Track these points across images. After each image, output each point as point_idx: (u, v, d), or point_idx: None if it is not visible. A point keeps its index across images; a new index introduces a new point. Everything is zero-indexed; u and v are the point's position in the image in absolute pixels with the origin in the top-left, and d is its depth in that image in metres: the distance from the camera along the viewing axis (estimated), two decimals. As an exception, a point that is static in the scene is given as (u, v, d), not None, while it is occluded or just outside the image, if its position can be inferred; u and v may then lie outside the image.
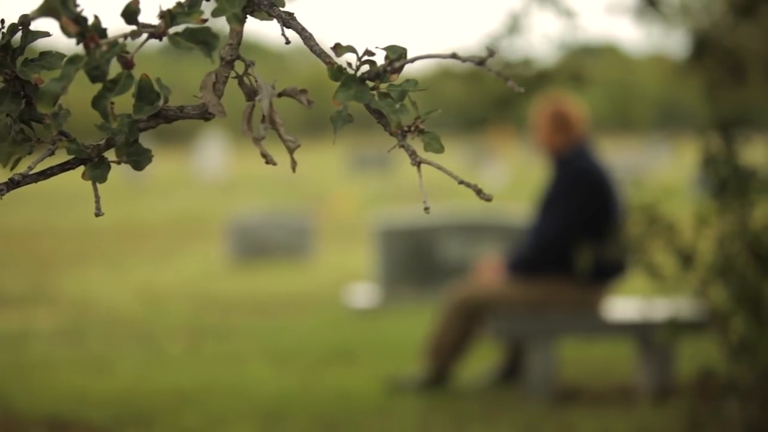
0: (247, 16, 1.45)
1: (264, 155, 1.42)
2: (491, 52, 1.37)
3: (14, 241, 15.08)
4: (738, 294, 4.87)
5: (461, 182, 1.44)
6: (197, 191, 25.20)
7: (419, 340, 6.92)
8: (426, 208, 1.41)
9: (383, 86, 1.45)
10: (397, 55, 1.42)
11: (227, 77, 1.47)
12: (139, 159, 1.45)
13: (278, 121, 1.42)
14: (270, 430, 5.48)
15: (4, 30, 1.47)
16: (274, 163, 1.43)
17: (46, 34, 1.46)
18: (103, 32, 1.37)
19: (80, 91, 1.51)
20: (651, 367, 5.99)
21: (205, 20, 1.39)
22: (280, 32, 1.48)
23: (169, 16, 1.37)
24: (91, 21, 1.36)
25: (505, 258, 6.28)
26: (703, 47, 5.72)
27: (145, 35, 1.39)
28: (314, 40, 1.46)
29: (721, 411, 4.92)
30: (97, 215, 1.49)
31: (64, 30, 1.34)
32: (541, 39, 5.98)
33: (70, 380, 6.56)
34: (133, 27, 1.39)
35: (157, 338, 7.95)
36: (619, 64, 54.83)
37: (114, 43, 1.35)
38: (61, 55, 1.43)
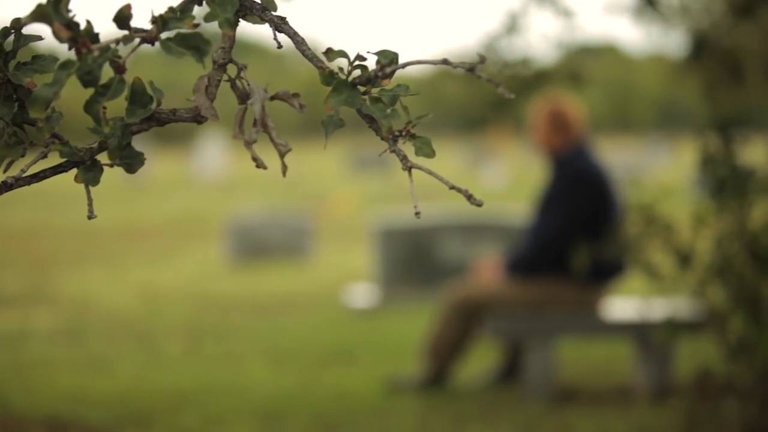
0: (240, 20, 1.46)
1: (255, 159, 1.43)
2: (482, 59, 1.37)
3: (14, 241, 15.09)
4: (736, 294, 4.87)
5: (452, 187, 1.44)
6: (197, 191, 25.20)
7: (418, 340, 6.92)
8: (417, 213, 1.42)
9: (375, 91, 1.45)
10: (388, 60, 1.42)
11: (220, 81, 1.47)
12: (131, 162, 1.46)
13: (270, 125, 1.43)
14: (269, 430, 5.48)
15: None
16: (265, 167, 1.43)
17: (39, 38, 1.47)
18: (95, 37, 1.37)
19: (74, 93, 1.51)
20: (649, 367, 5.99)
21: (197, 25, 1.39)
22: (273, 37, 1.49)
23: (161, 21, 1.38)
24: (83, 26, 1.36)
25: (503, 258, 6.28)
26: (701, 47, 5.72)
27: (137, 40, 1.39)
28: (306, 44, 1.47)
29: (720, 411, 4.92)
30: (89, 218, 1.49)
31: (57, 35, 1.34)
32: (540, 39, 5.98)
33: (69, 380, 6.57)
34: (125, 32, 1.39)
35: (156, 338, 7.96)
36: (619, 64, 54.85)
37: (106, 49, 1.36)
38: (53, 59, 1.44)
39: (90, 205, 1.51)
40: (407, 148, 1.49)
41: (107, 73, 1.40)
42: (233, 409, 5.86)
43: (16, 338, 8.01)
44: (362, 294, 9.41)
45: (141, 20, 1.42)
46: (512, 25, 5.87)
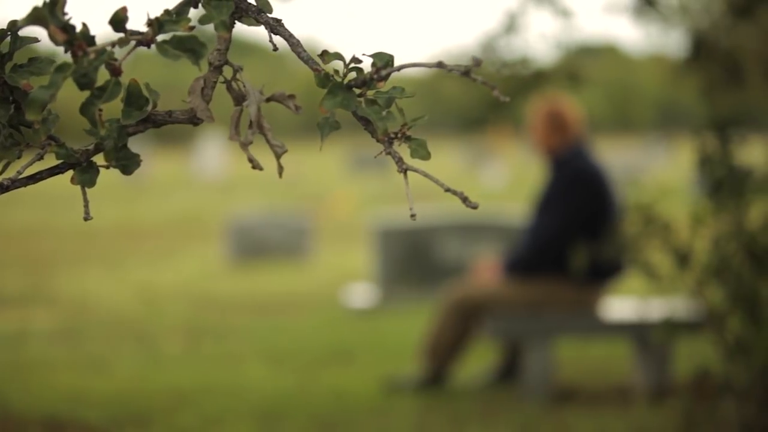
0: (235, 22, 1.46)
1: (251, 160, 1.43)
2: (477, 62, 1.37)
3: (13, 241, 15.09)
4: (734, 294, 4.87)
5: (447, 190, 1.44)
6: (196, 191, 25.20)
7: (417, 340, 6.93)
8: (412, 215, 1.42)
9: (370, 93, 1.45)
10: (383, 63, 1.43)
11: (215, 82, 1.47)
12: (127, 163, 1.46)
13: (266, 126, 1.43)
14: (267, 430, 5.48)
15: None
16: (261, 168, 1.43)
17: (35, 40, 1.47)
18: (91, 40, 1.37)
19: (70, 95, 1.51)
20: (648, 367, 6.00)
21: (193, 27, 1.40)
22: (269, 39, 1.49)
23: (156, 24, 1.38)
24: (79, 29, 1.37)
25: (502, 258, 6.28)
26: (701, 47, 5.72)
27: (133, 43, 1.40)
28: (302, 46, 1.47)
29: (718, 411, 4.92)
30: (85, 219, 1.50)
31: (52, 38, 1.34)
32: (538, 38, 5.99)
33: (68, 380, 6.57)
34: (121, 35, 1.40)
35: (155, 338, 7.96)
36: (619, 65, 54.85)
37: (102, 51, 1.36)
38: (50, 61, 1.44)
39: (86, 206, 1.51)
40: (403, 150, 1.49)
41: (103, 75, 1.40)
42: (232, 409, 5.87)
43: (16, 338, 8.01)
44: (361, 294, 9.42)
45: (137, 23, 1.43)
46: (511, 25, 5.88)
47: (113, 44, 1.38)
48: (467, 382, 6.39)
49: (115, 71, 1.38)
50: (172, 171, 33.02)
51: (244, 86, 1.47)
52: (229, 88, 1.49)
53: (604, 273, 6.15)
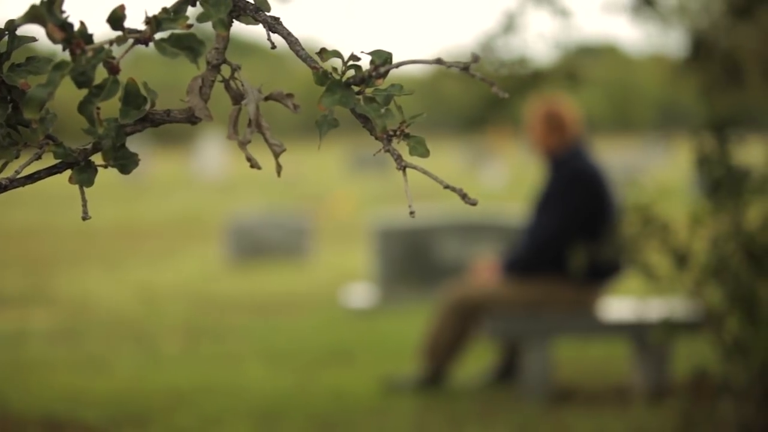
0: (234, 20, 1.46)
1: (249, 159, 1.43)
2: (476, 58, 1.37)
3: (13, 241, 15.09)
4: (732, 294, 4.87)
5: (446, 186, 1.44)
6: (196, 191, 25.20)
7: (416, 340, 6.93)
8: (411, 213, 1.42)
9: (369, 91, 1.45)
10: (382, 60, 1.43)
11: (214, 81, 1.47)
12: (126, 163, 1.46)
13: (264, 125, 1.43)
14: (266, 430, 5.48)
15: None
16: (259, 167, 1.43)
17: (33, 39, 1.47)
18: (89, 38, 1.37)
19: (68, 94, 1.51)
20: (646, 367, 6.00)
21: (191, 26, 1.40)
22: (267, 37, 1.49)
23: (154, 22, 1.38)
24: (77, 27, 1.37)
25: (501, 258, 6.28)
26: (700, 47, 5.73)
27: (131, 41, 1.40)
28: (300, 44, 1.47)
29: (716, 411, 4.93)
30: (84, 219, 1.50)
31: (50, 36, 1.34)
32: (537, 38, 5.99)
33: (67, 380, 6.57)
34: (119, 33, 1.40)
35: (154, 338, 7.96)
36: (619, 64, 54.85)
37: (100, 49, 1.36)
38: (48, 60, 1.44)
39: (84, 206, 1.51)
40: (402, 147, 1.49)
41: (101, 73, 1.40)
42: (230, 408, 5.87)
43: (15, 338, 8.01)
44: (360, 294, 9.41)
45: (135, 21, 1.42)
46: (509, 25, 5.88)
47: (111, 42, 1.38)
48: (466, 382, 6.39)
49: (113, 69, 1.38)
50: (171, 171, 33.02)
51: (243, 85, 1.46)
52: (228, 87, 1.49)
53: (602, 273, 6.16)
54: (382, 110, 1.43)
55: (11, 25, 1.45)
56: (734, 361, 4.89)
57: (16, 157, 1.48)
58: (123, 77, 1.47)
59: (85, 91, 1.38)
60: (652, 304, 6.06)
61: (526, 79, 5.99)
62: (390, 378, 6.41)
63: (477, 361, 6.81)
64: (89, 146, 1.46)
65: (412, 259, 9.50)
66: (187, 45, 1.37)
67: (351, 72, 1.46)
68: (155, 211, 20.01)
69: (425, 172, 1.43)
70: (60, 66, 1.34)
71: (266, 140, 1.44)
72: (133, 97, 1.43)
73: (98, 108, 1.40)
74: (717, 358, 5.04)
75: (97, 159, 1.49)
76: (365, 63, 1.47)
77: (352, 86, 1.44)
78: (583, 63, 7.09)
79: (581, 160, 6.25)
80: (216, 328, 8.33)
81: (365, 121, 1.45)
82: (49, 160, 1.49)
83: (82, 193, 1.50)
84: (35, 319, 8.79)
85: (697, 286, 5.07)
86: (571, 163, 6.24)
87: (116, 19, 1.38)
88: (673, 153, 36.59)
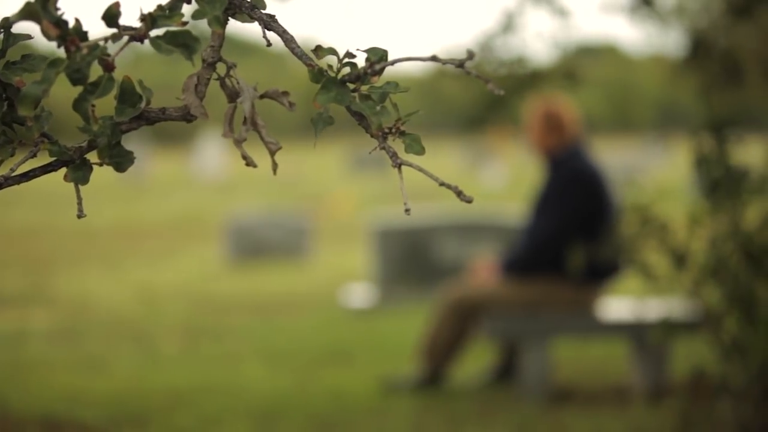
0: (229, 18, 1.46)
1: (245, 157, 1.43)
2: (471, 55, 1.37)
3: (12, 241, 15.09)
4: (731, 294, 4.87)
5: (442, 184, 1.44)
6: (196, 191, 25.20)
7: (415, 340, 6.93)
8: (407, 210, 1.42)
9: (364, 88, 1.45)
10: (377, 58, 1.43)
11: (209, 79, 1.47)
12: (121, 161, 1.46)
13: (260, 123, 1.43)
14: (265, 430, 5.48)
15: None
16: (255, 165, 1.43)
17: (28, 37, 1.47)
18: (83, 35, 1.37)
19: (64, 92, 1.51)
20: (645, 367, 6.00)
21: (186, 23, 1.39)
22: (262, 35, 1.49)
23: (149, 19, 1.38)
24: (72, 24, 1.36)
25: (499, 258, 6.28)
26: (699, 47, 5.72)
27: (126, 38, 1.40)
28: (295, 42, 1.47)
29: (714, 411, 4.92)
30: (79, 217, 1.50)
31: (45, 33, 1.34)
32: (536, 38, 5.99)
33: (66, 380, 6.57)
34: (114, 30, 1.39)
35: (153, 338, 7.96)
36: (619, 64, 54.86)
37: (95, 46, 1.36)
38: (43, 58, 1.44)
39: (79, 204, 1.51)
40: (398, 145, 1.49)
41: (97, 71, 1.40)
42: (229, 408, 5.86)
43: (14, 338, 8.01)
44: (360, 294, 9.41)
45: (130, 18, 1.42)
46: (508, 24, 5.88)
47: (106, 39, 1.38)
48: (465, 382, 6.39)
49: (108, 67, 1.38)
50: (171, 171, 33.02)
51: (238, 83, 1.46)
52: (223, 85, 1.49)
53: (601, 273, 6.15)
54: (378, 108, 1.43)
55: (6, 22, 1.44)
56: (733, 361, 4.89)
57: (12, 155, 1.48)
58: (122, 76, 1.47)
59: (80, 89, 1.38)
60: (651, 304, 6.06)
61: (524, 79, 5.99)
62: (389, 378, 6.41)
63: (476, 361, 6.81)
64: (84, 144, 1.46)
65: (411, 259, 9.50)
66: (182, 42, 1.37)
67: (346, 69, 1.46)
68: (155, 211, 20.01)
69: (421, 170, 1.43)
70: (55, 63, 1.34)
71: (262, 138, 1.44)
72: (128, 95, 1.43)
73: (93, 105, 1.40)
74: (715, 358, 5.04)
75: (92, 157, 1.49)
76: (361, 61, 1.47)
77: (348, 84, 1.44)
78: (582, 63, 7.09)
79: (580, 160, 6.25)
80: (215, 328, 8.33)
81: (361, 119, 1.45)
82: (44, 158, 1.49)
83: (78, 191, 1.50)
84: (35, 319, 8.79)
85: (695, 286, 5.07)
86: (570, 163, 6.24)
87: (111, 16, 1.38)
88: (672, 153, 36.59)
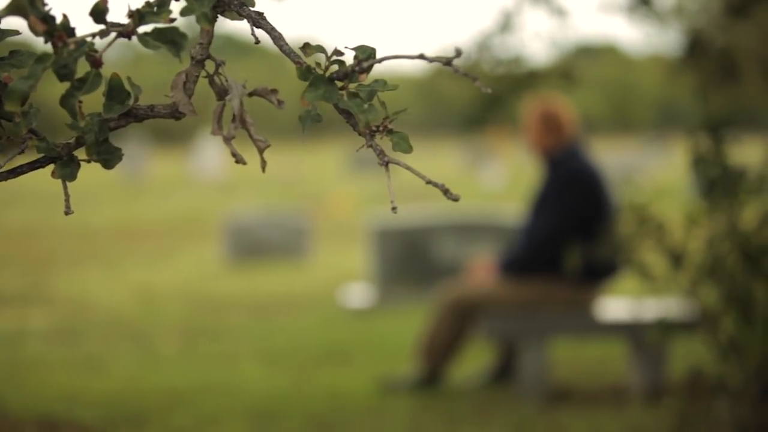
0: (218, 16, 1.45)
1: (234, 154, 1.42)
2: (458, 53, 1.37)
3: (12, 241, 15.08)
4: (728, 294, 4.87)
5: (429, 182, 1.44)
6: (195, 191, 25.20)
7: (413, 340, 6.92)
8: (393, 208, 1.42)
9: (352, 86, 1.45)
10: (365, 55, 1.42)
11: (198, 77, 1.47)
12: (109, 158, 1.45)
13: (249, 121, 1.43)
14: (262, 430, 5.48)
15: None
16: (244, 163, 1.43)
17: (16, 33, 1.47)
18: (71, 31, 1.37)
19: (54, 90, 1.51)
20: (642, 367, 5.99)
21: (174, 20, 1.39)
22: (250, 32, 1.49)
23: (137, 16, 1.38)
24: (59, 20, 1.36)
25: (497, 258, 6.28)
26: (696, 46, 5.72)
27: (113, 34, 1.39)
28: (284, 40, 1.47)
29: (712, 411, 4.92)
30: (66, 213, 1.49)
31: (32, 29, 1.34)
32: (534, 37, 5.99)
33: (64, 380, 6.57)
34: (102, 26, 1.39)
35: (151, 338, 7.96)
36: (619, 64, 54.85)
37: (82, 42, 1.35)
38: (31, 54, 1.43)
39: (67, 200, 1.51)
40: (386, 144, 1.49)
41: (85, 67, 1.40)
42: (227, 408, 5.86)
43: (13, 338, 8.01)
44: (358, 294, 9.41)
45: (118, 14, 1.42)
46: (506, 24, 5.88)
47: (93, 36, 1.37)
48: (462, 382, 6.39)
49: (96, 63, 1.37)
50: (171, 171, 33.02)
51: (227, 81, 1.46)
52: (212, 83, 1.49)
53: (599, 273, 6.15)
54: (365, 106, 1.43)
55: (-7, 18, 1.44)
56: (730, 361, 4.89)
57: (0, 152, 1.47)
58: (111, 73, 1.46)
59: (67, 85, 1.37)
60: (648, 304, 6.06)
61: (522, 79, 5.99)
62: (387, 378, 6.41)
63: (474, 361, 6.80)
64: (72, 141, 1.45)
65: (409, 259, 9.50)
66: (170, 38, 1.37)
67: (335, 67, 1.46)
68: (154, 211, 20.00)
69: (408, 168, 1.42)
70: (42, 59, 1.34)
71: (251, 136, 1.44)
72: (116, 92, 1.43)
73: (80, 101, 1.40)
74: (713, 358, 5.03)
75: (80, 154, 1.48)
76: (350, 59, 1.46)
77: (336, 81, 1.44)
78: (580, 63, 7.09)
79: (578, 161, 6.25)
80: (214, 328, 8.33)
81: (348, 117, 1.45)
82: (32, 155, 1.49)
83: (65, 188, 1.50)
84: (33, 319, 8.78)
85: (692, 286, 5.07)
86: (568, 163, 6.24)
87: (99, 12, 1.38)
88: (672, 153, 36.59)
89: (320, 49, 1.45)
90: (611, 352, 6.94)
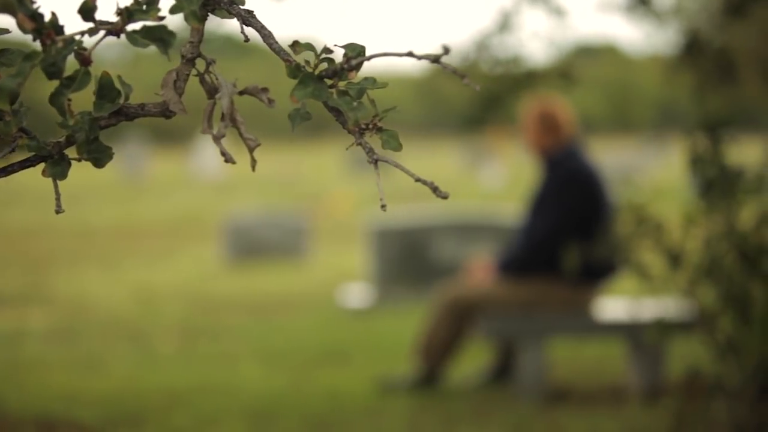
0: (208, 14, 1.45)
1: (223, 153, 1.42)
2: (446, 50, 1.37)
3: (11, 241, 15.08)
4: (725, 294, 4.86)
5: (418, 180, 1.44)
6: (195, 191, 25.20)
7: (412, 340, 6.92)
8: (382, 206, 1.42)
9: (342, 84, 1.45)
10: (354, 53, 1.42)
11: (188, 75, 1.47)
12: (99, 156, 1.45)
13: (239, 119, 1.42)
14: (261, 430, 5.48)
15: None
16: (234, 162, 1.43)
17: (6, 31, 1.46)
18: (59, 29, 1.37)
19: (45, 88, 1.51)
20: (641, 367, 5.99)
21: (162, 18, 1.39)
22: (240, 30, 1.48)
23: (126, 14, 1.37)
24: (48, 18, 1.36)
25: (495, 258, 6.28)
26: (693, 45, 5.72)
27: (102, 32, 1.39)
28: (273, 38, 1.46)
29: (709, 411, 4.92)
30: (57, 212, 1.49)
31: (21, 26, 1.34)
32: (532, 37, 5.99)
33: (63, 380, 6.57)
34: (90, 24, 1.39)
35: (150, 338, 7.96)
36: (618, 64, 54.85)
37: (70, 40, 1.35)
38: (20, 52, 1.43)
39: (57, 199, 1.50)
40: (377, 142, 1.49)
41: (74, 65, 1.40)
42: (226, 408, 5.86)
43: (12, 337, 8.01)
44: (357, 294, 9.41)
45: (107, 12, 1.42)
46: (505, 24, 5.88)
47: (82, 33, 1.37)
48: (461, 382, 6.39)
49: (85, 61, 1.37)
50: (170, 171, 33.02)
51: (217, 79, 1.46)
52: (202, 81, 1.48)
53: (597, 273, 6.15)
54: (355, 104, 1.42)
55: (-19, 16, 1.44)
56: (728, 361, 4.88)
57: (-10, 151, 1.47)
58: (101, 71, 1.46)
59: (56, 83, 1.37)
60: (646, 304, 6.06)
61: (521, 79, 5.99)
62: (385, 378, 6.41)
63: (472, 361, 6.80)
64: (63, 139, 1.45)
65: (408, 258, 9.50)
66: (158, 36, 1.37)
67: (324, 65, 1.45)
68: (153, 211, 20.00)
69: (397, 165, 1.42)
70: (30, 57, 1.33)
71: (241, 135, 1.43)
72: (107, 91, 1.43)
73: (69, 100, 1.40)
74: (710, 358, 5.03)
75: (72, 153, 1.48)
76: (339, 56, 1.46)
77: (325, 79, 1.44)
78: (578, 62, 7.08)
79: (576, 161, 6.25)
80: (212, 328, 8.33)
81: (338, 115, 1.45)
82: (23, 154, 1.48)
83: (56, 186, 1.49)
84: (32, 319, 8.78)
85: (690, 286, 5.07)
86: (566, 163, 6.24)
87: (87, 10, 1.38)
88: (671, 153, 36.59)
89: (309, 47, 1.45)
90: (609, 352, 6.93)
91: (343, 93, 1.43)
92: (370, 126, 1.44)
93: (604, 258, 6.01)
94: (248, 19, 1.47)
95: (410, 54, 1.37)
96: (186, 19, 1.39)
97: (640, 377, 5.98)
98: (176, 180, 29.44)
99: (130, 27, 1.38)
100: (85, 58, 1.37)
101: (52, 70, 1.34)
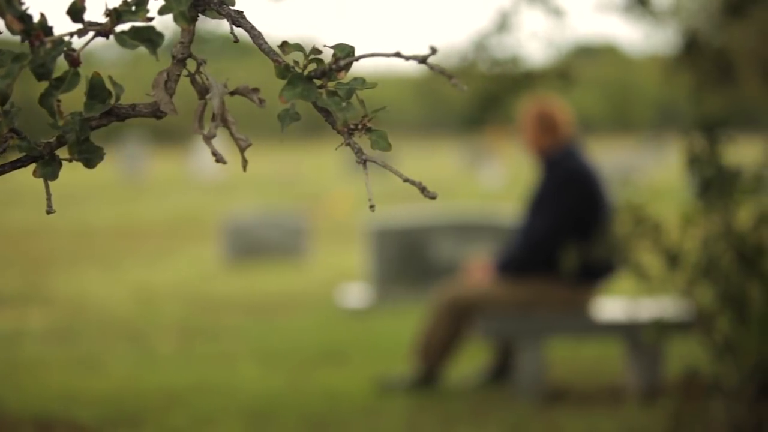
0: (199, 15, 1.45)
1: (214, 153, 1.42)
2: (433, 50, 1.37)
3: (10, 241, 15.08)
4: (723, 294, 4.86)
5: (406, 180, 1.44)
6: (194, 191, 25.20)
7: (411, 340, 6.92)
8: (371, 206, 1.42)
9: (331, 84, 1.45)
10: (343, 54, 1.42)
11: (179, 76, 1.47)
12: (90, 157, 1.45)
13: (230, 120, 1.42)
14: (259, 430, 5.48)
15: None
16: (225, 162, 1.43)
17: (-4, 33, 1.47)
18: (48, 30, 1.37)
19: (37, 88, 1.51)
20: (639, 367, 5.99)
21: (151, 18, 1.39)
22: (230, 30, 1.49)
23: (115, 15, 1.38)
24: (37, 19, 1.36)
25: (494, 258, 6.28)
26: (692, 45, 5.72)
27: (91, 33, 1.39)
28: (263, 38, 1.46)
29: (707, 411, 4.92)
30: (48, 212, 1.49)
31: (9, 28, 1.34)
32: (530, 37, 5.99)
33: (62, 380, 6.57)
34: (79, 25, 1.39)
35: (149, 338, 7.96)
36: (617, 64, 54.84)
37: (59, 41, 1.35)
38: (10, 53, 1.43)
39: (48, 199, 1.50)
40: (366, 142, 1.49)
41: (64, 66, 1.40)
42: (223, 408, 5.86)
43: (11, 337, 8.01)
44: (356, 294, 9.41)
45: (95, 13, 1.42)
46: (503, 24, 5.88)
47: (71, 34, 1.37)
48: (459, 382, 6.39)
49: (74, 62, 1.37)
50: (169, 171, 33.01)
51: (208, 79, 1.46)
52: (193, 82, 1.48)
53: (595, 273, 6.15)
54: (344, 104, 1.42)
55: (-30, 17, 1.44)
56: (725, 361, 4.88)
57: (-19, 152, 1.47)
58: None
59: (46, 84, 1.37)
60: (644, 304, 6.06)
61: (519, 79, 5.99)
62: (383, 378, 6.41)
63: (470, 361, 6.80)
64: (54, 140, 1.45)
65: (407, 259, 9.50)
66: (147, 37, 1.37)
67: (313, 65, 1.45)
68: (153, 211, 20.00)
69: (385, 166, 1.42)
70: (19, 58, 1.33)
71: (232, 135, 1.43)
72: (98, 91, 1.43)
73: (59, 100, 1.40)
74: (708, 358, 5.03)
75: (63, 153, 1.48)
76: (328, 57, 1.46)
77: (314, 80, 1.44)
78: (577, 63, 7.10)
79: (574, 161, 6.25)
80: (211, 328, 8.33)
81: (327, 115, 1.45)
82: (13, 154, 1.48)
83: (47, 186, 1.49)
84: (31, 319, 8.78)
85: (688, 286, 5.07)
86: (564, 163, 6.23)
87: (76, 11, 1.38)
88: (669, 153, 36.59)
89: (298, 47, 1.45)
90: (608, 352, 6.93)
91: (332, 93, 1.43)
92: (359, 126, 1.44)
93: (602, 258, 6.01)
94: (238, 19, 1.47)
95: (398, 54, 1.37)
96: (175, 20, 1.39)
97: (638, 377, 5.98)
98: (175, 180, 29.44)
99: (119, 28, 1.39)
100: (74, 59, 1.37)
101: (41, 71, 1.34)
